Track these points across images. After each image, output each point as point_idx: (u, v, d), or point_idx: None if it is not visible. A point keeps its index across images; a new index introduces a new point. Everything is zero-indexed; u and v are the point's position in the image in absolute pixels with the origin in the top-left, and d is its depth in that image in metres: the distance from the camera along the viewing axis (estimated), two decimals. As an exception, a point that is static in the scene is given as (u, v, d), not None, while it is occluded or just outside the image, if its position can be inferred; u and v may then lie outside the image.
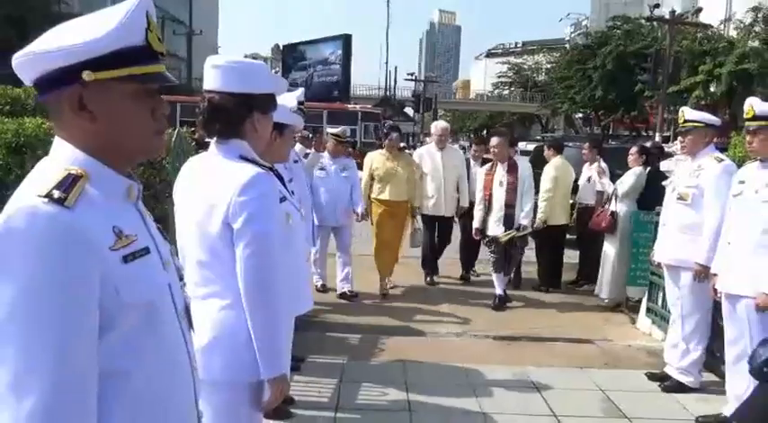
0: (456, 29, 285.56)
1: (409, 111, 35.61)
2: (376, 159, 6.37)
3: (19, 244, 1.03)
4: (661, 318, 4.99)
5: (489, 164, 6.24)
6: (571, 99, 35.73)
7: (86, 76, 1.12)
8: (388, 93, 42.50)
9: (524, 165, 6.13)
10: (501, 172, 5.98)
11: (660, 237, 4.29)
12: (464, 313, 5.79)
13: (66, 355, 1.02)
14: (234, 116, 1.96)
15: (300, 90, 4.43)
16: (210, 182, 1.92)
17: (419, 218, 6.83)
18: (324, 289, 6.23)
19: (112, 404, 1.10)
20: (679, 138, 4.43)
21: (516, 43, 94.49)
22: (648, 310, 5.27)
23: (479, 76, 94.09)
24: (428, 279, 6.92)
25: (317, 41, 27.14)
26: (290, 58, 28.80)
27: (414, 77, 43.90)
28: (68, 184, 1.09)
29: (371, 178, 6.32)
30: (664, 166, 6.67)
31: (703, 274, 3.77)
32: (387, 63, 41.70)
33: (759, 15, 27.77)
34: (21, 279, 1.01)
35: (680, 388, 4.07)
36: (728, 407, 3.50)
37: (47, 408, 0.99)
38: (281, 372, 1.83)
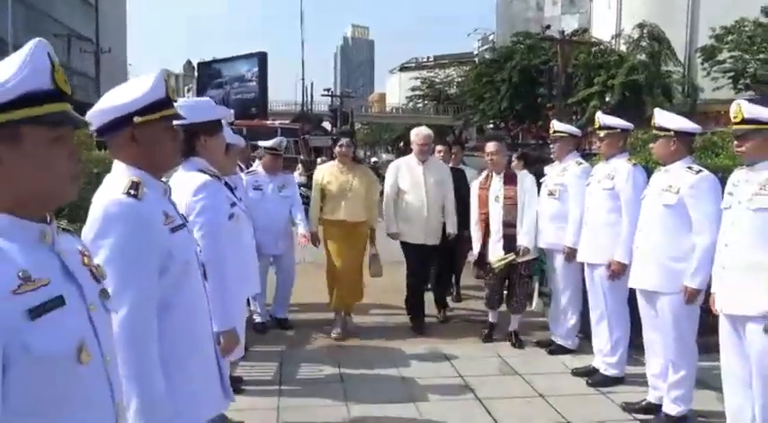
0: (369, 43, 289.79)
1: (327, 125, 36.29)
2: (327, 173, 5.30)
3: (116, 219, 1.67)
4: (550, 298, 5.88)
5: (482, 175, 5.27)
6: (482, 111, 37.55)
7: None
8: (305, 108, 43.13)
9: (525, 175, 5.16)
10: (497, 185, 5.01)
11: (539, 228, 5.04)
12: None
13: (142, 281, 1.66)
14: (187, 141, 2.58)
15: (230, 111, 4.86)
16: (175, 188, 2.56)
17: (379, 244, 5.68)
18: (263, 328, 5.38)
19: (161, 326, 1.72)
20: (555, 145, 5.21)
21: (428, 57, 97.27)
22: (540, 293, 6.15)
23: (394, 90, 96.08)
24: (413, 323, 5.55)
25: (233, 59, 27.39)
26: (205, 75, 28.86)
27: (330, 93, 44.71)
28: (136, 187, 1.76)
29: (323, 195, 5.28)
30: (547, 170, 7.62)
31: (571, 255, 4.61)
32: (303, 79, 42.37)
33: (644, 31, 30.46)
34: (119, 236, 1.67)
35: (562, 350, 4.94)
36: (595, 359, 4.39)
37: (132, 314, 1.61)
38: (231, 325, 2.43)
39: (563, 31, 31.28)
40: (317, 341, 5.27)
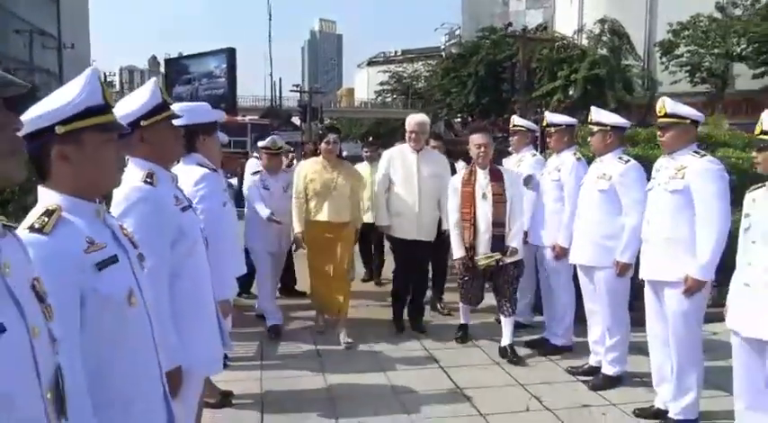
0: (337, 37, 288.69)
1: (296, 120, 36.47)
2: (310, 170, 5.00)
3: (138, 202, 2.03)
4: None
5: (465, 171, 4.82)
6: (449, 105, 38.12)
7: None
8: (273, 103, 43.19)
9: (510, 170, 4.90)
10: (483, 181, 4.60)
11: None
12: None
13: (160, 249, 2.02)
14: (188, 139, 2.95)
15: (223, 114, 4.73)
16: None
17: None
18: (277, 332, 5.17)
19: (172, 292, 2.09)
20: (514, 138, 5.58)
21: (396, 52, 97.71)
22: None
23: (362, 84, 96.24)
24: (397, 324, 5.36)
25: (201, 55, 27.43)
26: (173, 71, 28.81)
27: (299, 89, 44.85)
28: (151, 176, 2.11)
29: (306, 194, 4.99)
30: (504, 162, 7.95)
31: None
32: (271, 74, 42.39)
33: (605, 26, 31.35)
34: (140, 215, 2.02)
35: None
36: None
37: (155, 269, 1.94)
38: (226, 296, 2.81)
39: (525, 27, 32.06)
40: (294, 322, 5.61)
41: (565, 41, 32.49)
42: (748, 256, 2.98)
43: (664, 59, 28.71)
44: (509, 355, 4.63)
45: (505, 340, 4.69)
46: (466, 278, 4.79)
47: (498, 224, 4.57)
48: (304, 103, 37.21)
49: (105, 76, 65.82)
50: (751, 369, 2.98)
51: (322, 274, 5.02)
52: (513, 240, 4.61)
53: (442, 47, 68.88)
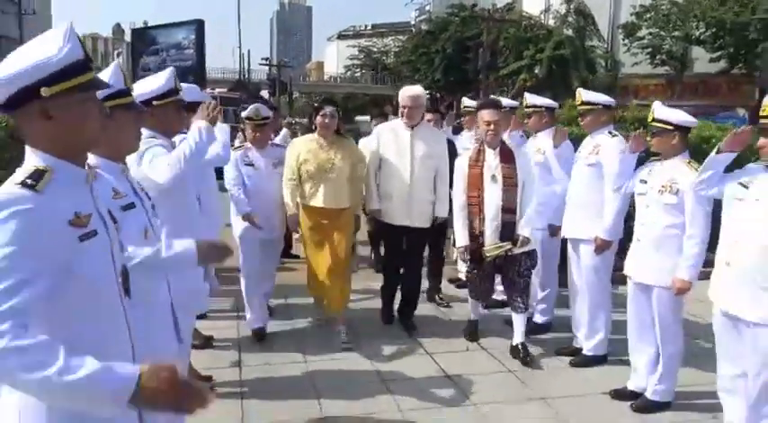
0: (307, 9, 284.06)
1: (265, 93, 36.40)
2: (304, 147, 4.42)
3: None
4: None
5: (472, 150, 4.35)
6: (417, 81, 38.41)
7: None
8: (242, 76, 42.86)
9: (522, 151, 4.40)
10: (492, 161, 4.14)
11: None
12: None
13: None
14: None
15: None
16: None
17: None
18: (261, 333, 4.69)
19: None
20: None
21: (366, 26, 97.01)
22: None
23: (332, 58, 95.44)
24: (385, 314, 5.04)
25: (169, 26, 27.09)
26: (140, 42, 28.41)
27: (267, 62, 44.53)
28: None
29: (299, 175, 4.43)
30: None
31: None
32: (240, 47, 42.01)
33: (571, 6, 31.91)
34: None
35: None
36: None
37: None
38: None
39: (492, 6, 32.50)
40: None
41: (532, 21, 32.99)
42: (641, 217, 3.53)
43: (626, 41, 29.40)
44: (521, 354, 4.23)
45: (517, 338, 4.28)
46: (474, 270, 4.33)
47: (508, 210, 4.10)
48: (273, 77, 37.10)
49: (67, 44, 63.84)
50: (640, 309, 3.60)
51: (318, 265, 4.46)
52: (525, 228, 4.13)
53: (413, 22, 68.74)
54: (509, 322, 4.60)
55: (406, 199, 4.60)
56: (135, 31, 31.00)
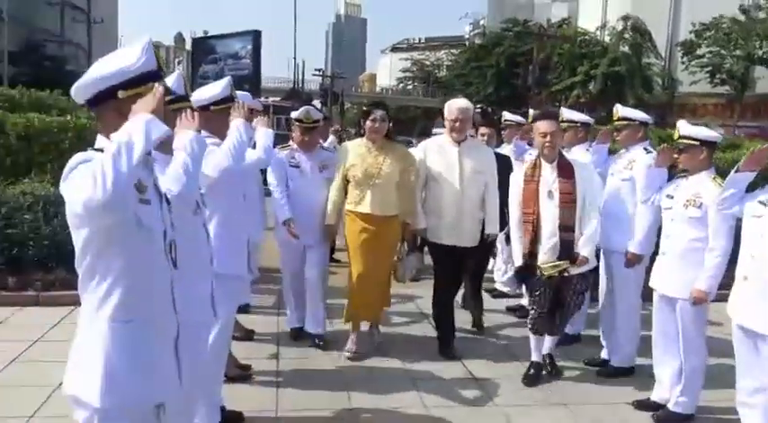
0: (362, 21, 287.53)
1: (317, 103, 37.13)
2: (353, 152, 4.31)
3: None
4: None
5: (528, 164, 4.11)
6: (468, 95, 38.53)
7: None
8: (296, 86, 43.77)
9: (582, 164, 4.08)
10: (549, 176, 3.90)
11: None
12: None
13: None
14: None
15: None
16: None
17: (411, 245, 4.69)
18: (297, 335, 4.63)
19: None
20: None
21: (420, 39, 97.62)
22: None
23: (385, 70, 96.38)
24: (442, 346, 4.54)
25: (227, 36, 28.10)
26: (199, 51, 29.52)
27: (321, 73, 45.36)
28: None
29: (346, 180, 4.31)
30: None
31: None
32: (295, 57, 42.92)
33: (628, 23, 31.48)
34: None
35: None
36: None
37: None
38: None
39: (547, 21, 32.37)
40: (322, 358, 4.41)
41: (587, 37, 32.69)
42: (667, 230, 3.59)
43: (685, 59, 28.80)
44: (547, 365, 4.12)
45: (545, 350, 4.15)
46: (537, 293, 3.97)
47: (567, 228, 3.83)
48: (325, 87, 37.77)
49: (132, 52, 66.46)
50: (665, 321, 3.61)
51: (361, 275, 4.27)
52: (585, 247, 3.85)
53: (466, 36, 68.89)
54: (511, 309, 4.95)
55: (455, 217, 4.36)
56: (195, 41, 32.20)
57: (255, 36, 26.62)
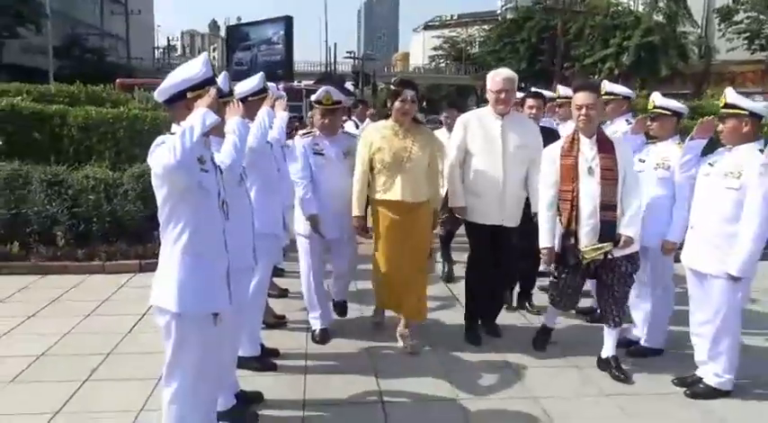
0: (394, 0, 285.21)
1: (349, 85, 37.53)
2: (378, 136, 4.02)
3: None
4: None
5: (564, 138, 3.83)
6: (501, 71, 38.27)
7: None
8: (328, 69, 44.31)
9: (620, 140, 3.86)
10: (589, 152, 3.65)
11: None
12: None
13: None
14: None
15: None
16: None
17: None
18: (324, 335, 4.24)
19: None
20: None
21: (452, 16, 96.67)
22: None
23: (418, 49, 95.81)
24: (470, 332, 4.33)
25: (260, 23, 28.65)
26: (233, 38, 30.19)
27: (353, 56, 45.71)
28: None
29: (371, 166, 4.03)
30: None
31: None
32: (326, 41, 43.45)
33: (663, -9, 30.84)
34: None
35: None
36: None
37: None
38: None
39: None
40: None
41: (619, 8, 32.16)
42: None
43: (722, 26, 28.13)
44: (612, 369, 3.77)
45: (607, 351, 3.82)
46: (563, 275, 3.81)
47: (608, 207, 3.58)
48: (357, 70, 38.15)
49: (169, 41, 68.10)
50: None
51: (391, 266, 4.01)
52: (629, 227, 3.60)
53: (498, 11, 68.07)
54: (544, 289, 4.59)
55: (499, 195, 4.08)
56: (229, 28, 32.89)
57: (287, 22, 27.12)
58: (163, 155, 2.16)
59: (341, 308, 4.49)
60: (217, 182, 2.45)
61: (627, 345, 4.05)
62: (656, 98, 4.00)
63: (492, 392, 3.54)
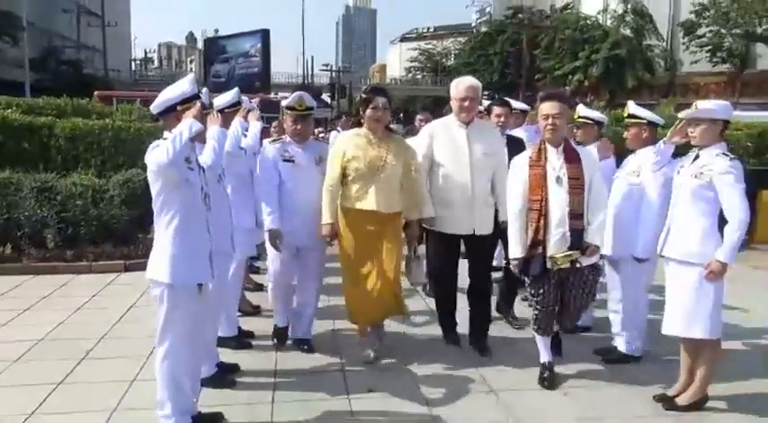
0: (371, 12, 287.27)
1: (326, 97, 38.09)
2: (351, 144, 3.96)
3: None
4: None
5: (531, 149, 3.84)
6: (475, 83, 39.16)
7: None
8: (306, 81, 44.89)
9: (585, 150, 3.90)
10: (556, 162, 3.68)
11: None
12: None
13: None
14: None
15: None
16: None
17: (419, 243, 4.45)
18: (281, 335, 4.25)
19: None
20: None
21: (428, 28, 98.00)
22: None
23: (395, 61, 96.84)
24: (446, 336, 4.41)
25: (237, 36, 29.29)
26: (211, 51, 30.70)
27: (329, 68, 46.40)
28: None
29: (343, 174, 3.94)
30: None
31: None
32: (303, 53, 44.03)
33: (629, 6, 31.99)
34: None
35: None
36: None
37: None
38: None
39: (552, 6, 32.99)
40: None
41: (588, 22, 33.26)
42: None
43: (686, 40, 29.23)
44: (545, 376, 3.77)
45: (544, 356, 3.82)
46: (541, 290, 3.70)
47: (576, 216, 3.62)
48: (334, 82, 38.82)
49: (146, 53, 68.18)
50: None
51: (361, 277, 3.95)
52: (595, 236, 3.65)
53: (473, 24, 69.31)
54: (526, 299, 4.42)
55: (468, 204, 4.05)
56: (207, 41, 33.39)
57: (264, 35, 27.75)
58: (158, 155, 2.68)
59: (305, 345, 4.21)
60: (200, 178, 2.95)
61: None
62: (581, 109, 4.54)
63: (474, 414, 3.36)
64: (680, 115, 3.62)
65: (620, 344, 4.09)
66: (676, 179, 3.50)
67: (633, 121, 4.09)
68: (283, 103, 4.18)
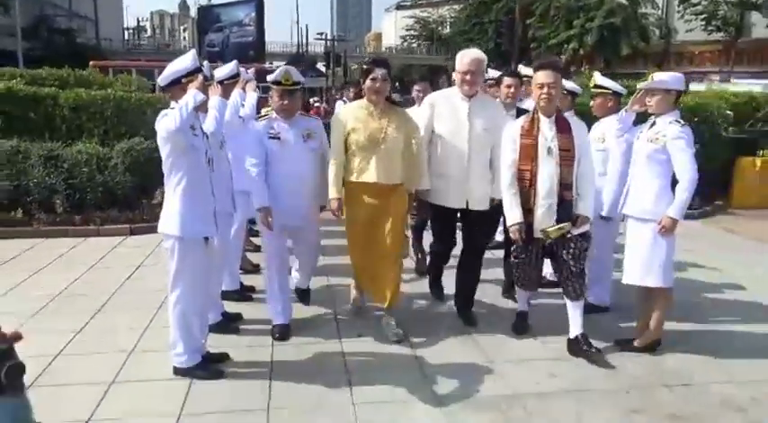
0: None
1: (321, 66, 37.98)
2: (352, 116, 3.94)
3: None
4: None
5: (524, 118, 3.82)
6: (470, 52, 39.03)
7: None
8: (300, 50, 44.66)
9: (578, 121, 3.88)
10: (548, 132, 3.69)
11: None
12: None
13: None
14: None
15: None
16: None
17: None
18: (284, 331, 3.99)
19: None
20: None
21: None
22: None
23: (390, 29, 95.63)
24: (435, 290, 4.66)
25: (231, 4, 29.12)
26: (205, 20, 30.54)
27: (323, 37, 46.07)
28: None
29: (346, 147, 3.93)
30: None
31: None
32: (298, 22, 43.66)
33: (624, -27, 31.79)
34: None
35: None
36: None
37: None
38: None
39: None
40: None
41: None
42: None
43: (680, 8, 29.21)
44: (583, 347, 3.72)
45: (575, 329, 3.79)
46: (523, 255, 3.83)
47: (567, 186, 3.66)
48: (329, 51, 38.69)
49: (138, 21, 67.42)
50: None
51: (365, 250, 3.99)
52: (585, 207, 3.71)
53: (469, -9, 68.52)
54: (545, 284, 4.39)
55: (463, 178, 4.04)
56: (200, 10, 33.16)
57: (259, 3, 27.63)
58: (167, 122, 3.01)
59: (302, 294, 4.48)
60: (204, 143, 3.27)
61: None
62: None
63: (476, 393, 3.31)
64: (638, 86, 3.91)
65: (590, 296, 4.47)
66: (636, 144, 3.80)
67: (599, 91, 4.37)
68: (269, 77, 4.05)
